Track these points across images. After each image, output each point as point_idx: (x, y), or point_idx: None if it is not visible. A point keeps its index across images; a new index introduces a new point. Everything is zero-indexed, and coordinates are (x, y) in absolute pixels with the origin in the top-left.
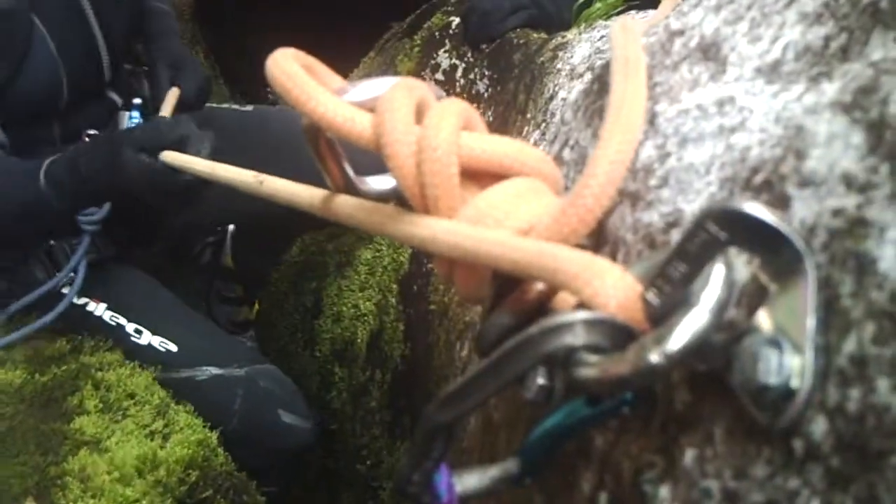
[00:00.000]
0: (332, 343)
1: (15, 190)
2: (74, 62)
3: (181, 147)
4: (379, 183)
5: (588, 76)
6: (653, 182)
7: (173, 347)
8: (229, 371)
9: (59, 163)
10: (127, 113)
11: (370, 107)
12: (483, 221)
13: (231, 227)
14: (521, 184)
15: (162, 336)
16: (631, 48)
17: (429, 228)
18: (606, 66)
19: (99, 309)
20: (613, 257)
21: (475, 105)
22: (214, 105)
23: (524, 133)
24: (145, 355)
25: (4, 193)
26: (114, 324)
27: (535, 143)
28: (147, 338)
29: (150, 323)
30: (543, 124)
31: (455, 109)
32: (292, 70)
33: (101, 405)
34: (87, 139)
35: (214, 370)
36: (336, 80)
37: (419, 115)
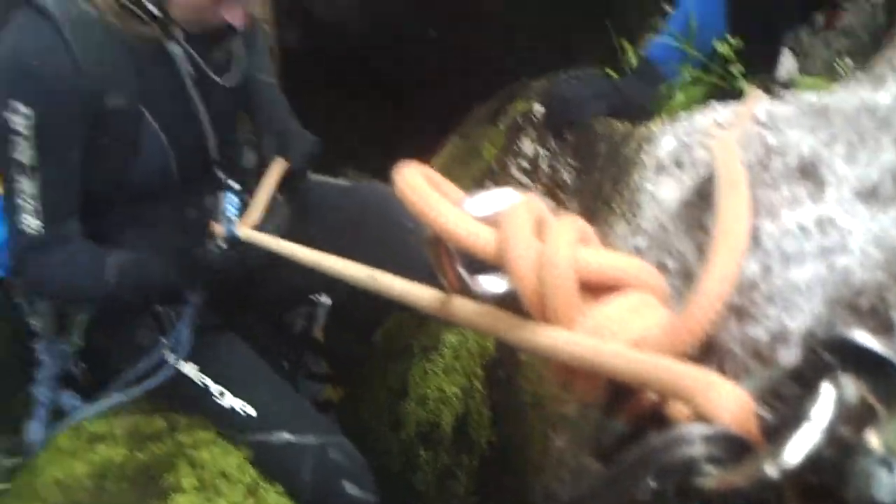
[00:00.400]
0: (417, 425)
1: (82, 282)
2: (184, 150)
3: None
4: (490, 284)
5: (676, 172)
6: (758, 298)
7: (252, 411)
8: (301, 438)
9: (128, 266)
10: (223, 194)
11: (489, 219)
12: (601, 333)
13: (327, 300)
14: (633, 298)
15: (243, 399)
16: (733, 168)
17: (550, 338)
18: (707, 180)
19: (189, 369)
20: (721, 368)
21: (560, 193)
22: (315, 177)
23: (610, 224)
24: (226, 418)
25: (71, 285)
26: (201, 384)
27: (624, 236)
28: (229, 400)
29: (233, 385)
30: (630, 216)
31: (572, 226)
32: (419, 185)
33: (196, 483)
34: (187, 215)
35: (287, 436)
36: (456, 191)
37: (538, 230)
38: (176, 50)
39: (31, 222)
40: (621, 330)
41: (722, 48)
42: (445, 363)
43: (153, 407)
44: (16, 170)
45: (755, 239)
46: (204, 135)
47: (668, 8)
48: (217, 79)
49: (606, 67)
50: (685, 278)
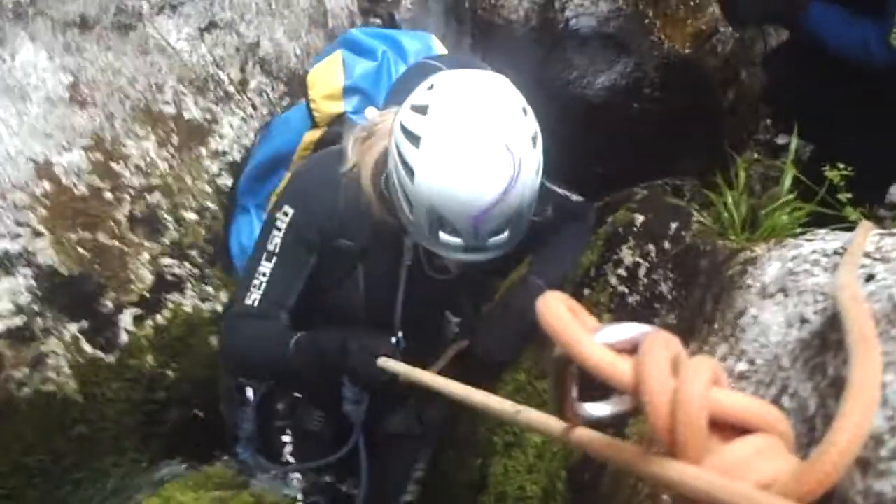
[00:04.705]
0: None
1: (269, 346)
2: (373, 310)
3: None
4: (595, 409)
5: (781, 298)
6: (884, 453)
7: None
8: None
9: (306, 338)
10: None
11: (619, 348)
12: (729, 472)
13: None
14: (761, 441)
15: None
16: (866, 324)
17: (677, 472)
18: (829, 324)
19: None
20: None
21: (657, 305)
22: None
23: (710, 343)
24: None
25: (262, 347)
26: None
27: (723, 357)
28: None
29: None
30: (732, 339)
31: (707, 367)
32: (561, 313)
33: None
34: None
35: None
36: (591, 320)
37: (673, 367)
38: (408, 241)
39: (253, 297)
40: (749, 471)
41: (830, 174)
42: (528, 462)
43: (243, 481)
44: (262, 254)
45: (882, 395)
46: (393, 311)
47: (770, 124)
48: (431, 273)
49: (709, 180)
50: (804, 422)
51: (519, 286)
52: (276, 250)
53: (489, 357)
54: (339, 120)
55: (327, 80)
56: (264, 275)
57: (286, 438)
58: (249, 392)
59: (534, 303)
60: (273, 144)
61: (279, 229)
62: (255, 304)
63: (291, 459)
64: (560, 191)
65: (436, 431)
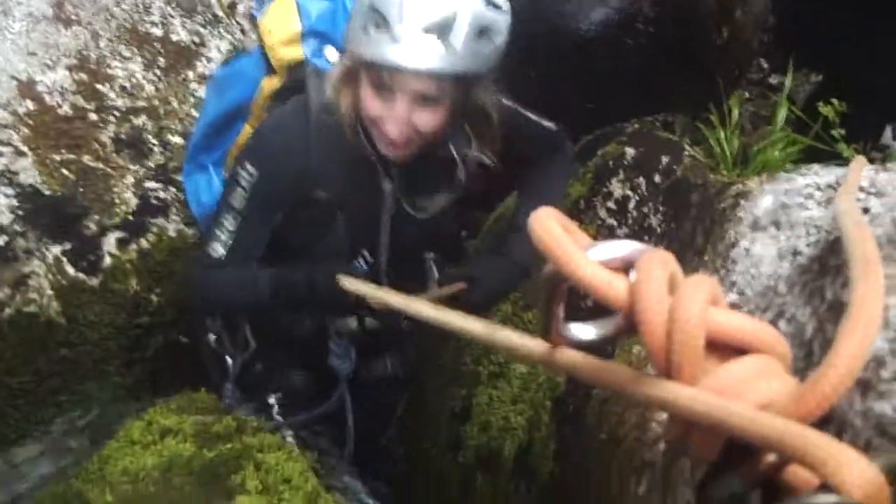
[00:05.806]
0: (476, 450)
1: (243, 292)
2: (358, 253)
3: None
4: (581, 331)
5: (773, 231)
6: (885, 374)
7: None
8: None
9: (274, 277)
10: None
11: (612, 266)
12: (725, 392)
13: None
14: (759, 361)
15: None
16: (869, 247)
17: (672, 392)
18: (829, 248)
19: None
20: (839, 437)
21: (646, 238)
22: None
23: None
24: None
25: (237, 294)
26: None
27: None
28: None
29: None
30: (723, 271)
31: (705, 286)
32: (555, 231)
33: (260, 486)
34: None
35: None
36: (584, 238)
37: (670, 286)
38: (387, 186)
39: (218, 250)
40: (746, 392)
41: (825, 109)
42: (513, 393)
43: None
44: (226, 209)
45: (884, 317)
46: (378, 256)
47: (764, 63)
48: (412, 212)
49: (700, 116)
50: (800, 346)
51: (514, 234)
52: (240, 207)
53: (483, 308)
54: (298, 66)
55: (284, 25)
56: (230, 231)
57: (272, 400)
58: (229, 362)
59: (528, 252)
60: (227, 97)
61: (243, 187)
62: (223, 257)
63: (280, 419)
64: (533, 117)
65: (412, 372)
